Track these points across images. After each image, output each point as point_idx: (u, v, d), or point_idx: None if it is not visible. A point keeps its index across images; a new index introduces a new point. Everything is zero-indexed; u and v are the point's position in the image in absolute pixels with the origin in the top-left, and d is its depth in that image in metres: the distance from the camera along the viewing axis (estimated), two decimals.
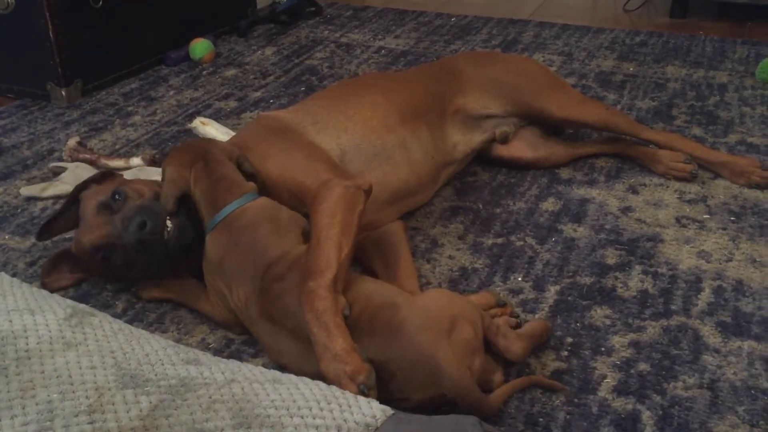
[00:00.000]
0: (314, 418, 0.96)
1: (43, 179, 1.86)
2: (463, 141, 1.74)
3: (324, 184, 1.30)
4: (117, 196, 1.35)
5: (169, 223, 1.30)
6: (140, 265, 1.33)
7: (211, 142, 1.37)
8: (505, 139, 1.80)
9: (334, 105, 1.56)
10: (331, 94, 1.65)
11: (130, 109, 2.29)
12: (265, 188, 1.37)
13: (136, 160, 1.84)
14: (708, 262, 1.49)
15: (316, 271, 1.15)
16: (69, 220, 1.44)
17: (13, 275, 1.47)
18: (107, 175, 1.50)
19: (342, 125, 1.52)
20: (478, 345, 1.12)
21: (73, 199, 1.44)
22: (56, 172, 1.85)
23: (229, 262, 1.25)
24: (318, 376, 1.08)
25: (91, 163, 1.84)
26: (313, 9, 3.18)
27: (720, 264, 1.48)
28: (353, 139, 1.51)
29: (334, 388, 1.04)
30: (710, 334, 1.30)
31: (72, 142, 1.89)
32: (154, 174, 1.77)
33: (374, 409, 0.99)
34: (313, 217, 1.26)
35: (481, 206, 1.71)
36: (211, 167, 1.32)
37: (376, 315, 1.13)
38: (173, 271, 1.38)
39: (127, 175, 1.78)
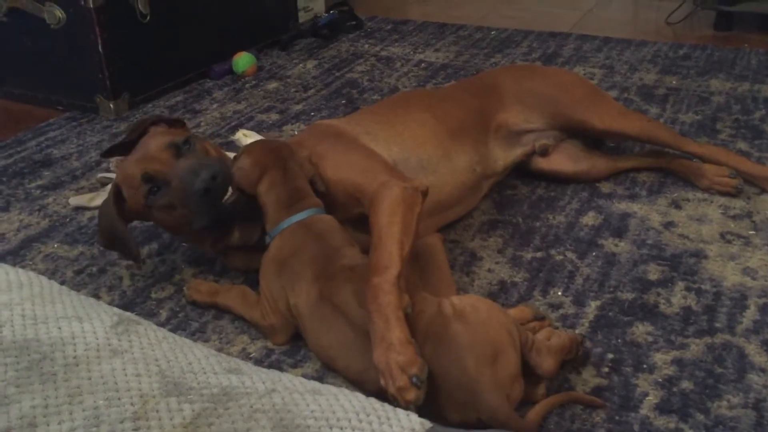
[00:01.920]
0: (353, 430, 0.97)
1: (91, 189, 1.91)
2: (503, 155, 1.75)
3: (383, 185, 1.33)
4: (188, 145, 1.39)
5: (230, 190, 1.36)
6: (188, 211, 1.36)
7: (292, 152, 1.41)
8: (544, 152, 1.79)
9: (384, 119, 1.60)
10: (379, 109, 1.68)
11: None
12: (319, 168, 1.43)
13: None
14: (754, 279, 1.46)
15: (380, 267, 1.18)
16: (132, 146, 1.46)
17: (62, 283, 1.51)
18: (180, 121, 1.54)
19: (392, 138, 1.56)
20: (518, 371, 1.12)
21: (143, 130, 1.47)
22: (104, 183, 1.90)
23: (299, 261, 1.28)
24: (365, 370, 1.09)
25: None
26: (354, 23, 3.21)
27: (766, 281, 1.45)
28: (402, 151, 1.55)
29: (373, 399, 1.04)
30: (756, 353, 1.27)
31: None
32: None
33: (413, 422, 0.99)
34: (373, 217, 1.29)
35: (520, 220, 1.70)
36: (289, 176, 1.37)
37: (430, 323, 1.14)
38: (206, 233, 1.42)
39: None
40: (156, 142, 1.41)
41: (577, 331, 1.33)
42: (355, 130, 1.55)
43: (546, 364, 1.16)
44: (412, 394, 1.06)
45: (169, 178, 1.36)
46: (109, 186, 1.82)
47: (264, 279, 1.33)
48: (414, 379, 1.05)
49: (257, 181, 1.36)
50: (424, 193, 1.34)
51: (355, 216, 1.41)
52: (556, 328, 1.30)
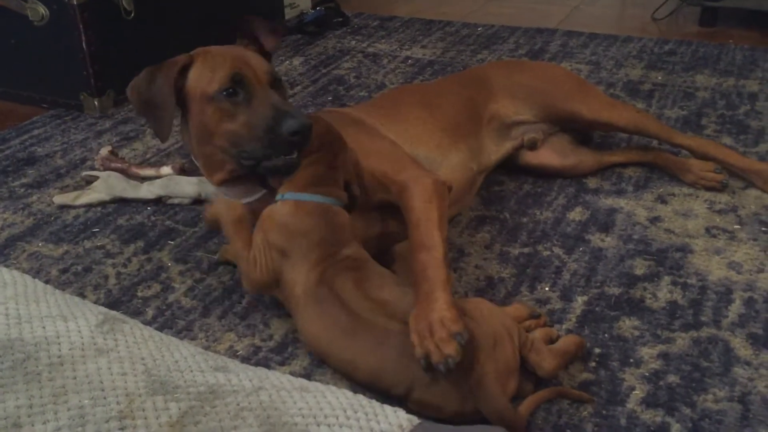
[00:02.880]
0: (341, 427, 0.97)
1: (76, 188, 1.89)
2: (495, 149, 1.75)
3: (414, 174, 1.35)
4: (280, 85, 1.36)
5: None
6: (251, 138, 1.30)
7: (346, 149, 1.39)
8: (533, 146, 1.80)
9: (389, 115, 1.60)
10: (381, 105, 1.67)
11: None
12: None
13: (166, 169, 1.87)
14: (739, 273, 1.47)
15: (426, 246, 1.22)
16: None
17: (47, 282, 1.50)
18: (278, 35, 1.48)
19: (399, 135, 1.56)
20: (516, 365, 1.13)
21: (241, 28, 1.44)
22: (89, 181, 1.88)
23: (308, 240, 1.27)
24: (353, 359, 1.11)
25: (122, 172, 1.87)
26: (340, 19, 3.20)
27: (751, 275, 1.46)
28: (410, 149, 1.54)
29: (360, 396, 1.04)
30: (741, 346, 1.28)
31: (104, 151, 1.92)
32: (185, 183, 1.80)
33: (401, 418, 1.00)
34: (409, 201, 1.31)
35: (507, 216, 1.70)
36: (333, 165, 1.34)
37: None
38: (236, 165, 1.36)
39: (158, 184, 1.81)
40: (259, 59, 1.36)
41: (564, 327, 1.34)
42: (371, 120, 1.56)
43: (545, 364, 1.16)
44: (452, 347, 1.04)
45: (256, 97, 1.31)
46: (95, 183, 1.82)
47: (260, 234, 1.30)
48: (457, 336, 1.05)
49: (310, 151, 1.33)
50: (450, 188, 1.37)
51: (374, 204, 1.41)
52: (551, 325, 1.30)
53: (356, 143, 1.42)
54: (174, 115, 1.36)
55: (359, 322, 1.16)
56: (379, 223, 1.44)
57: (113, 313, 1.18)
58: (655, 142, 1.89)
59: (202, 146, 1.39)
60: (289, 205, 1.30)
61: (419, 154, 1.55)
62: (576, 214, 1.70)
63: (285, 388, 1.04)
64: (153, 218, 1.76)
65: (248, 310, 1.42)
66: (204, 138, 1.37)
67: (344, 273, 1.22)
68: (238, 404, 0.99)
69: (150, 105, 1.36)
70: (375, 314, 1.16)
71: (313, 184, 1.32)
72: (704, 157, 1.78)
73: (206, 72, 1.34)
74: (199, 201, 1.80)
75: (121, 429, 0.94)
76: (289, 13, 3.19)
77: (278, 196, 1.33)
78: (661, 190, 1.78)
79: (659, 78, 2.47)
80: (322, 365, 1.26)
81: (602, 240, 1.60)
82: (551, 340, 1.23)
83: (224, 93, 1.31)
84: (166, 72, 1.35)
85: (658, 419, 1.14)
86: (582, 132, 1.88)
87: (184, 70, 1.36)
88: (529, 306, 1.32)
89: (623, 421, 1.13)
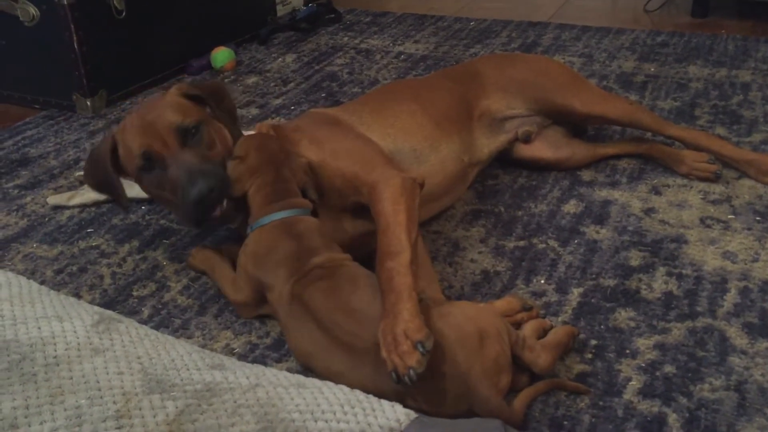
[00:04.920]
0: (338, 422, 0.97)
1: (70, 188, 1.89)
2: (488, 143, 1.75)
3: (383, 175, 1.35)
4: (197, 133, 1.38)
5: (225, 203, 1.36)
6: (176, 207, 1.38)
7: (289, 157, 1.41)
8: (527, 139, 1.80)
9: (375, 110, 1.61)
10: (370, 100, 1.68)
11: None
12: (317, 173, 1.43)
13: None
14: (733, 262, 1.48)
15: (392, 253, 1.21)
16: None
17: (42, 283, 1.50)
18: (212, 91, 1.48)
19: (385, 129, 1.57)
20: (506, 362, 1.12)
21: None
22: (82, 181, 1.88)
23: (274, 259, 1.29)
24: (342, 370, 1.11)
25: None
26: (333, 16, 3.19)
27: (746, 264, 1.47)
28: (395, 142, 1.56)
29: (357, 392, 1.04)
30: (737, 336, 1.29)
31: None
32: None
33: (398, 413, 1.00)
34: (377, 205, 1.30)
35: (502, 209, 1.71)
36: (280, 179, 1.37)
37: None
38: (188, 224, 1.46)
39: None
40: (167, 117, 1.37)
41: (560, 319, 1.34)
42: (350, 118, 1.56)
43: (541, 360, 1.16)
44: (414, 358, 1.04)
45: (168, 165, 1.35)
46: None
47: (241, 267, 1.35)
48: (419, 346, 1.05)
49: (248, 185, 1.37)
50: (421, 185, 1.37)
51: (349, 205, 1.42)
52: (543, 316, 1.30)
53: (329, 143, 1.45)
54: (121, 186, 1.47)
55: (332, 339, 1.15)
56: (350, 225, 1.44)
57: (109, 312, 1.18)
58: (648, 134, 1.89)
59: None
60: (255, 233, 1.35)
61: (406, 147, 1.55)
62: (571, 207, 1.70)
63: (282, 385, 1.04)
64: (147, 218, 1.76)
65: None
66: (158, 201, 1.54)
67: (313, 284, 1.23)
68: (235, 401, 0.99)
69: (103, 185, 1.50)
70: (346, 326, 1.16)
71: (269, 203, 1.35)
72: (697, 148, 1.79)
73: (126, 153, 1.41)
74: None
75: (118, 428, 0.93)
76: (281, 10, 3.18)
77: (248, 230, 1.37)
78: (655, 181, 1.78)
79: (652, 69, 2.47)
80: None
81: (597, 232, 1.60)
82: (544, 331, 1.23)
83: (144, 171, 1.38)
84: (101, 159, 1.44)
85: (655, 409, 1.14)
86: (575, 125, 1.88)
87: (114, 152, 1.43)
88: (520, 298, 1.31)
89: (620, 412, 1.14)
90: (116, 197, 1.48)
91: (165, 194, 1.38)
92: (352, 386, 1.08)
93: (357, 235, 1.43)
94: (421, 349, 1.04)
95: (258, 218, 1.35)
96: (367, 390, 1.08)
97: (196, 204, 1.31)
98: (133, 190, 1.79)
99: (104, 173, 1.45)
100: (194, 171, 1.32)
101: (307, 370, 1.23)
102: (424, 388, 1.07)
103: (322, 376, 1.17)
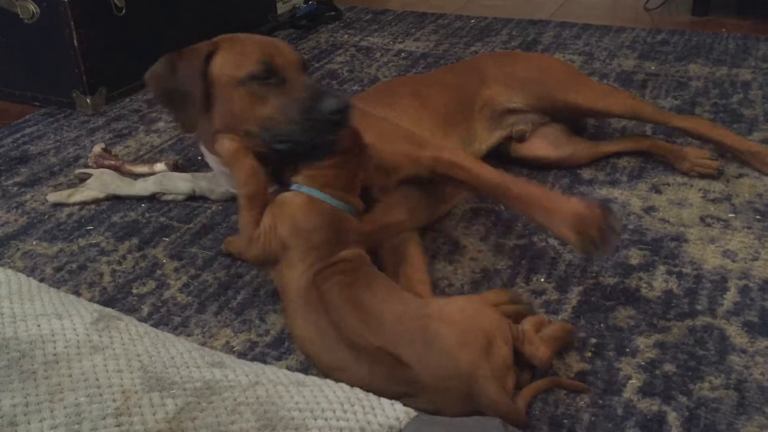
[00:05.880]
0: (338, 420, 0.97)
1: (70, 186, 1.89)
2: (486, 137, 1.76)
3: (438, 146, 1.47)
4: (309, 72, 1.37)
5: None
6: (285, 123, 1.26)
7: (370, 156, 1.36)
8: (521, 138, 1.80)
9: (384, 105, 1.60)
10: (375, 96, 1.67)
11: (153, 115, 2.31)
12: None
13: (160, 166, 1.87)
14: (733, 261, 1.48)
15: (501, 184, 1.38)
16: None
17: (41, 281, 1.50)
18: None
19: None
20: (511, 362, 1.12)
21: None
22: (82, 179, 1.88)
23: (310, 239, 1.24)
24: (341, 366, 1.11)
25: (115, 169, 1.86)
26: (333, 13, 3.19)
27: (746, 263, 1.47)
28: None
29: (357, 390, 1.04)
30: (736, 334, 1.28)
31: (97, 148, 1.92)
32: (178, 179, 1.79)
33: (397, 411, 0.99)
34: (454, 169, 1.42)
35: (502, 207, 1.70)
36: (355, 168, 1.33)
37: (410, 322, 1.13)
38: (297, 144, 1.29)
39: (151, 180, 1.80)
40: (286, 44, 1.33)
41: (560, 317, 1.34)
42: (372, 109, 1.55)
43: (540, 353, 1.16)
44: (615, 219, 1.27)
45: (290, 81, 1.28)
46: (89, 181, 1.82)
47: (270, 218, 1.27)
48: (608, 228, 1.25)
49: (339, 152, 1.30)
50: None
51: (399, 180, 1.44)
52: (537, 313, 1.30)
53: (370, 130, 1.38)
54: (203, 102, 1.31)
55: (338, 333, 1.14)
56: (380, 214, 1.42)
57: (108, 310, 1.18)
58: (650, 131, 1.89)
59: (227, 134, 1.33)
60: (302, 198, 1.27)
61: None
62: None
63: (282, 383, 1.04)
64: (147, 215, 1.75)
65: (244, 306, 1.42)
66: (230, 125, 1.31)
67: (334, 277, 1.21)
68: (234, 399, 0.99)
69: (174, 94, 1.33)
70: (353, 323, 1.15)
71: (332, 186, 1.29)
72: (699, 137, 1.79)
73: (234, 57, 1.30)
74: (192, 197, 1.80)
75: (118, 426, 0.93)
76: (281, 8, 3.18)
77: (294, 186, 1.30)
78: (656, 179, 1.78)
79: (652, 68, 2.47)
80: None
81: None
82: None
83: (255, 77, 1.28)
84: (191, 59, 1.32)
85: (655, 408, 1.14)
86: (577, 121, 1.88)
87: (208, 57, 1.32)
88: (506, 290, 1.31)
89: (620, 411, 1.14)
90: (187, 108, 1.31)
91: (266, 110, 1.27)
92: (351, 382, 1.08)
93: (379, 227, 1.41)
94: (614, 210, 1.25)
95: (317, 187, 1.28)
96: (363, 386, 1.08)
97: (333, 114, 1.22)
98: (133, 188, 1.79)
99: (188, 77, 1.30)
100: (323, 91, 1.26)
101: (305, 360, 1.23)
102: (425, 392, 1.07)
103: (321, 366, 1.17)
